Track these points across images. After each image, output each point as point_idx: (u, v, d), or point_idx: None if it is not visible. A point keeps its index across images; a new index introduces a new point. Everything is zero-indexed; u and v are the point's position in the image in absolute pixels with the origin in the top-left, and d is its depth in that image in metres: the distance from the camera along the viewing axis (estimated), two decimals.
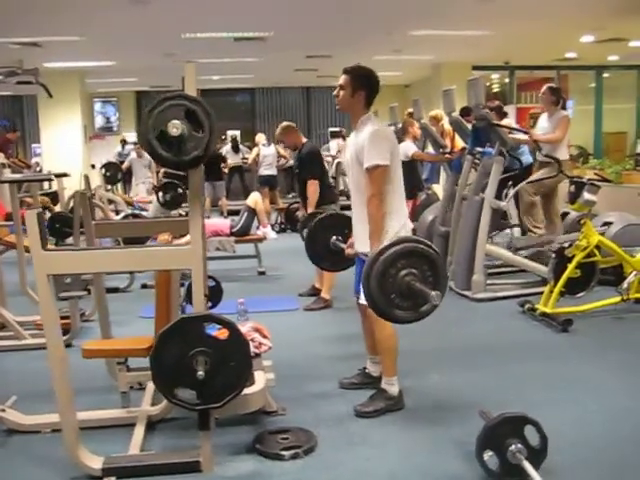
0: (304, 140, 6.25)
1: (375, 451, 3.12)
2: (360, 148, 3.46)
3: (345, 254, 3.89)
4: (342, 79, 3.60)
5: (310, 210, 5.69)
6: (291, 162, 12.49)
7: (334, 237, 4.16)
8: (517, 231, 7.56)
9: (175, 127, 2.43)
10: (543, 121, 6.91)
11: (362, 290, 3.22)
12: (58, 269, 2.83)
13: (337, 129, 16.42)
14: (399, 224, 3.49)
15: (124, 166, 12.61)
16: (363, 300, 3.52)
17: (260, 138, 12.72)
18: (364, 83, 3.58)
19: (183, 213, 8.30)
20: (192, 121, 2.50)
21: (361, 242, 3.55)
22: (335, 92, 3.65)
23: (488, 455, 2.73)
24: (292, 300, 6.10)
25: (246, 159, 13.70)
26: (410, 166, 7.37)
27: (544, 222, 7.07)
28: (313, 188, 5.81)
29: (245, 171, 13.96)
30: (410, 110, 10.64)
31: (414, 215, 7.32)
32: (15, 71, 4.89)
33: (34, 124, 15.53)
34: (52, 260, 2.70)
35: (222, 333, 2.81)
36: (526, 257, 6.44)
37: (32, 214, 2.67)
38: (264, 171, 12.13)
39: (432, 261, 2.96)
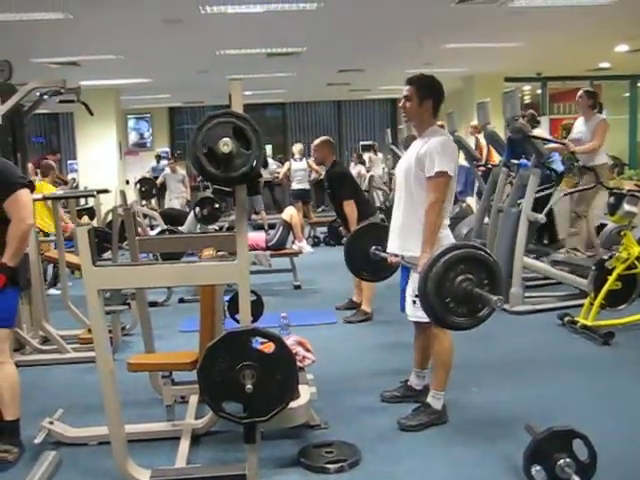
0: (333, 158, 6.20)
1: (420, 465, 3.12)
2: (424, 154, 3.44)
3: (389, 262, 3.89)
4: (407, 90, 3.58)
5: (352, 228, 5.71)
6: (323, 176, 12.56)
7: (373, 247, 4.18)
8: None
9: (226, 144, 2.47)
10: (579, 125, 6.81)
11: (417, 295, 3.24)
12: (108, 284, 2.88)
13: (369, 142, 16.47)
14: (446, 235, 3.51)
15: (158, 181, 12.79)
16: (414, 317, 3.55)
17: (296, 149, 12.79)
18: (430, 92, 3.58)
19: (217, 228, 8.39)
20: (240, 138, 2.54)
21: (409, 248, 3.52)
22: (401, 104, 3.66)
23: (536, 470, 2.71)
24: (330, 313, 6.11)
25: (277, 173, 13.80)
26: None
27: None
28: (350, 208, 5.80)
29: (275, 185, 14.06)
30: (439, 123, 10.64)
31: None
32: (59, 90, 5.01)
33: (70, 140, 15.83)
34: (102, 275, 2.75)
35: (267, 347, 2.83)
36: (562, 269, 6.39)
37: (83, 230, 2.72)
38: (296, 185, 12.23)
39: (490, 268, 2.98)
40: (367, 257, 4.25)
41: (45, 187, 7.83)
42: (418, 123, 3.64)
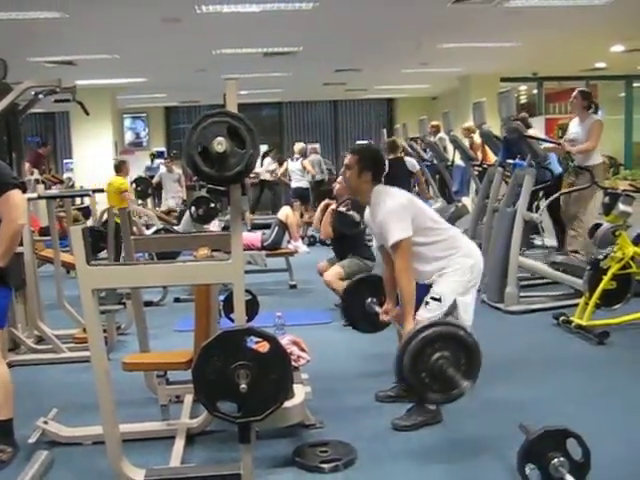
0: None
1: (415, 464, 3.12)
2: (380, 227, 3.56)
3: (380, 319, 3.95)
4: (348, 159, 3.69)
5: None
6: (318, 177, 12.64)
7: (369, 299, 4.19)
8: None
9: (220, 144, 2.47)
10: (574, 126, 6.80)
11: (433, 298, 3.43)
12: (103, 284, 2.88)
13: (365, 142, 16.46)
14: (467, 260, 3.56)
15: (154, 181, 12.77)
16: (419, 316, 3.57)
17: (296, 148, 12.87)
18: (371, 164, 3.65)
19: (212, 228, 8.38)
20: (234, 137, 2.54)
21: (425, 278, 3.59)
22: (342, 171, 3.75)
23: (530, 469, 2.71)
24: (325, 313, 6.11)
25: (274, 173, 13.88)
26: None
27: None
28: None
29: (275, 184, 14.08)
30: (434, 123, 10.68)
31: None
32: (54, 89, 5.00)
33: (66, 140, 15.82)
34: (97, 275, 2.75)
35: (261, 346, 2.83)
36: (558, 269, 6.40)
37: (77, 229, 2.72)
38: (295, 184, 12.39)
39: (470, 350, 2.99)
40: (363, 309, 4.25)
41: (119, 182, 8.64)
42: (358, 193, 3.76)
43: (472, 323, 3.63)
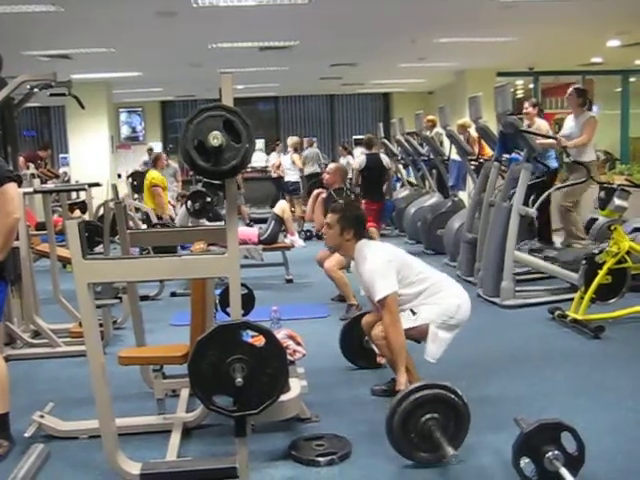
0: (341, 185, 6.61)
1: None
2: (366, 282, 3.61)
3: (377, 360, 3.99)
4: (329, 217, 3.75)
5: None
6: (310, 170, 12.71)
7: (367, 337, 4.16)
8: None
9: (215, 138, 2.46)
10: (570, 122, 6.88)
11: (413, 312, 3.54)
12: (99, 277, 2.87)
13: (361, 137, 16.49)
14: (455, 299, 3.63)
15: None
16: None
17: (290, 142, 12.97)
18: (352, 223, 3.70)
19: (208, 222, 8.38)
20: (230, 131, 2.54)
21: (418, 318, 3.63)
22: (324, 230, 3.84)
23: (524, 462, 2.72)
24: (321, 307, 6.12)
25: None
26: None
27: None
28: None
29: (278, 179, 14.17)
30: (429, 117, 10.69)
31: (379, 219, 7.94)
32: (49, 83, 4.98)
33: (62, 134, 15.78)
34: (93, 269, 2.75)
35: (257, 340, 2.84)
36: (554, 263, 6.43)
37: (73, 224, 2.71)
38: (287, 178, 12.77)
39: (459, 414, 3.01)
40: (361, 345, 4.26)
41: (151, 176, 9.25)
42: (340, 250, 3.84)
43: (468, 318, 3.66)
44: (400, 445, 3.02)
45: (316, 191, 6.58)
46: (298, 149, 13.00)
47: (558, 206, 7.09)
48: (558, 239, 7.79)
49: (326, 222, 3.78)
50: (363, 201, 7.46)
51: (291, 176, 12.76)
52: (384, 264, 3.53)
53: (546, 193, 6.57)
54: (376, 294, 3.49)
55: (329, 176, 6.57)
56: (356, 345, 4.32)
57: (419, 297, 3.61)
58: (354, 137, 17.07)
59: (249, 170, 14.47)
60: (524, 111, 7.87)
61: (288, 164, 12.88)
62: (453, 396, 3.01)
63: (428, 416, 2.96)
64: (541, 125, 7.63)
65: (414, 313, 3.58)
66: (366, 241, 3.75)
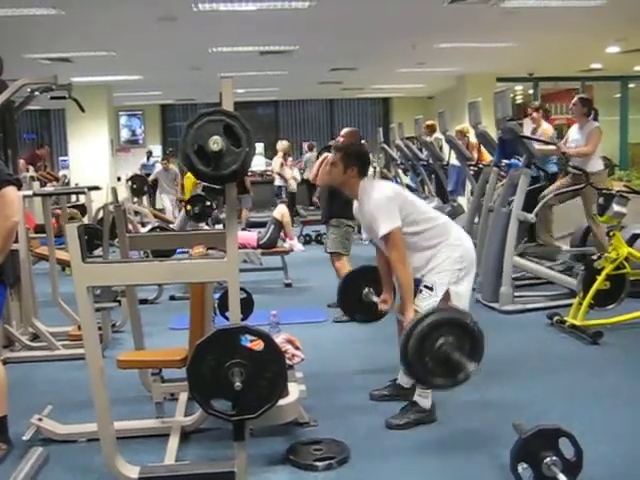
0: None
1: (408, 463, 3.13)
2: (369, 220, 3.58)
3: (378, 309, 3.95)
4: (332, 157, 3.73)
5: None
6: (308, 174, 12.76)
7: (366, 289, 4.19)
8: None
9: (215, 142, 2.47)
10: (574, 132, 6.85)
11: (426, 287, 3.46)
12: (98, 281, 2.88)
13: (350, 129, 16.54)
14: (456, 249, 3.56)
15: (150, 178, 12.79)
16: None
17: (279, 146, 13.04)
18: (355, 160, 3.67)
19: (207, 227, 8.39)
20: (230, 136, 2.55)
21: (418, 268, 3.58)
22: (327, 169, 3.80)
23: (522, 468, 2.72)
24: (320, 311, 6.12)
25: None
26: None
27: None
28: None
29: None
30: (429, 122, 10.69)
31: None
32: (50, 87, 4.99)
33: (62, 137, 15.79)
34: (92, 272, 2.75)
35: (256, 344, 2.84)
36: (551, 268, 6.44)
37: (72, 227, 2.72)
38: (277, 182, 13.03)
39: (474, 337, 2.99)
40: (360, 298, 4.24)
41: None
42: (345, 188, 3.77)
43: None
44: (415, 371, 3.01)
45: (325, 154, 6.44)
46: (288, 154, 13.09)
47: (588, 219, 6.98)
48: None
49: (330, 161, 3.75)
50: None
51: (278, 180, 12.99)
52: (386, 200, 3.51)
53: (546, 198, 6.57)
54: (379, 230, 3.46)
55: (344, 139, 6.16)
56: (355, 298, 4.27)
57: (423, 239, 3.55)
58: (344, 130, 17.11)
59: (249, 174, 14.49)
60: (530, 116, 7.85)
61: (277, 168, 13.00)
62: (468, 321, 3.00)
63: (443, 340, 2.94)
64: (547, 129, 7.63)
65: (430, 288, 3.50)
66: (369, 180, 3.73)
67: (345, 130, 6.45)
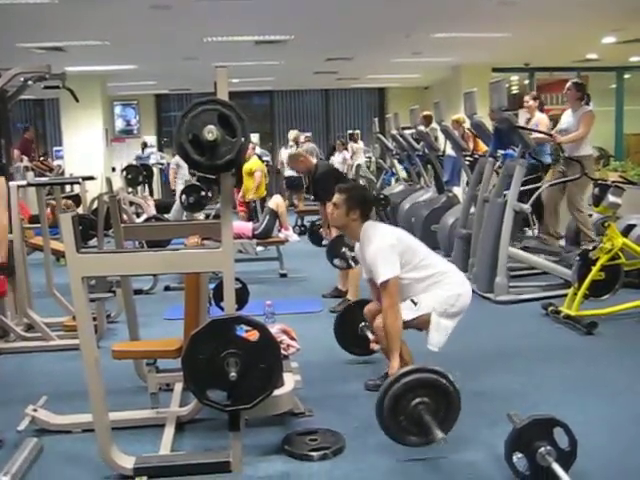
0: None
1: (404, 453, 3.13)
2: (369, 264, 3.61)
3: (370, 346, 3.92)
4: (336, 198, 3.75)
5: (334, 234, 5.75)
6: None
7: (362, 323, 4.19)
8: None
9: (210, 132, 2.46)
10: (567, 117, 6.88)
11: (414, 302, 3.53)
12: (93, 271, 2.87)
13: (355, 132, 16.55)
14: (457, 288, 3.63)
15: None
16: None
17: (290, 136, 12.91)
18: (358, 203, 3.70)
19: (202, 217, 8.38)
20: (225, 125, 2.53)
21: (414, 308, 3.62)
22: (330, 210, 3.83)
23: (517, 457, 2.73)
24: (316, 302, 6.12)
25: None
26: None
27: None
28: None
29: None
30: (426, 113, 10.66)
31: None
32: (43, 76, 4.96)
33: (56, 127, 15.71)
34: (87, 262, 2.75)
35: (251, 335, 2.84)
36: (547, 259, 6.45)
37: (67, 217, 2.71)
38: (287, 172, 12.55)
39: (450, 400, 3.00)
40: (356, 333, 4.26)
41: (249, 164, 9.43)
42: (346, 230, 3.83)
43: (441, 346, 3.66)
44: (389, 428, 3.01)
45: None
46: (299, 143, 12.97)
47: (568, 207, 7.02)
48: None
49: (333, 202, 3.77)
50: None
51: (292, 171, 12.71)
52: (388, 247, 3.53)
53: (541, 189, 6.57)
54: (378, 277, 3.49)
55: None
56: (351, 333, 4.31)
57: (421, 283, 3.60)
58: (349, 132, 17.12)
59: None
60: (525, 104, 7.85)
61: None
62: (444, 381, 3.00)
63: (418, 400, 2.96)
64: (541, 119, 7.63)
65: (415, 303, 3.58)
66: (372, 222, 3.76)
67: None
